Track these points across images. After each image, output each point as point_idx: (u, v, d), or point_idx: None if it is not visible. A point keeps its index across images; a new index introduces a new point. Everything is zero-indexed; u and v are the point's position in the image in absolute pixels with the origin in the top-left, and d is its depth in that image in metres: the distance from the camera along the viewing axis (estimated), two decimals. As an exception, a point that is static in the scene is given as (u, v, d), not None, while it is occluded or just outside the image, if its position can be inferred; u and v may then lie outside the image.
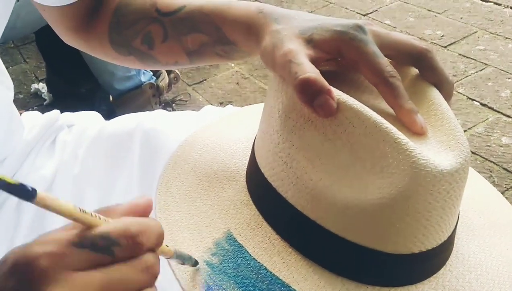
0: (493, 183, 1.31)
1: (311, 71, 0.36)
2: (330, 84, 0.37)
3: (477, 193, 0.50)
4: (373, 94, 0.41)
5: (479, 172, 1.34)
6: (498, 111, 1.56)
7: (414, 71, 0.41)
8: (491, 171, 1.35)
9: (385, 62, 0.38)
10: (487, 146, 1.43)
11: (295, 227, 0.41)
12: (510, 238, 0.47)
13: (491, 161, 1.38)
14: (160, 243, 0.32)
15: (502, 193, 1.28)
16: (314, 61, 0.38)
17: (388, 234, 0.38)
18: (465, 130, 1.50)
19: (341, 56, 0.40)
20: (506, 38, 1.91)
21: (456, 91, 1.68)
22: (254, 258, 0.41)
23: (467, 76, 1.74)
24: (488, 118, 1.54)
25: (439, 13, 2.11)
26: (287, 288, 0.39)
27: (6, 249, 0.44)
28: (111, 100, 1.61)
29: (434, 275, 0.41)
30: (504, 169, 1.35)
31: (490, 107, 1.58)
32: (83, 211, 0.30)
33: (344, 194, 0.38)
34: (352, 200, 0.37)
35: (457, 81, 1.72)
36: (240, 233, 0.43)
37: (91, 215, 0.30)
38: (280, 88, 0.41)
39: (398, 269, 0.39)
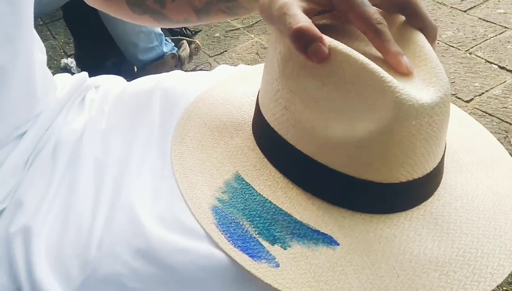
0: (508, 143, 1.32)
1: (303, 21, 0.40)
2: (324, 34, 0.41)
3: (468, 133, 0.54)
4: (364, 42, 0.45)
5: (495, 133, 1.36)
6: (517, 74, 1.56)
7: (401, 18, 0.45)
8: (507, 132, 1.36)
9: (372, 10, 0.41)
10: (503, 107, 1.44)
11: (295, 165, 0.46)
12: (497, 173, 0.50)
13: (507, 122, 1.39)
14: None
15: (517, 152, 1.29)
16: (308, 12, 0.42)
17: (377, 164, 0.42)
18: (482, 93, 1.51)
19: (333, 7, 0.43)
20: (528, 0, 1.89)
21: (475, 54, 1.68)
22: (260, 194, 0.46)
23: (486, 39, 1.73)
24: (506, 81, 1.54)
25: (459, -23, 2.09)
26: (289, 217, 0.44)
27: (42, 195, 0.50)
28: (136, 72, 1.68)
29: (423, 204, 0.45)
30: (520, 129, 1.36)
31: (508, 70, 1.58)
32: None
33: (337, 131, 0.42)
34: (344, 136, 0.42)
35: (476, 45, 1.72)
36: (247, 174, 0.48)
37: None
38: (278, 39, 0.45)
39: (388, 197, 0.44)
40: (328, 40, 0.41)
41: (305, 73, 0.43)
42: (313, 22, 0.41)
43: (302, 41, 0.40)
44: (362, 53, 0.41)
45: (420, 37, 0.43)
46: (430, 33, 0.44)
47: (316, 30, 0.40)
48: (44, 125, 0.56)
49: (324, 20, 0.47)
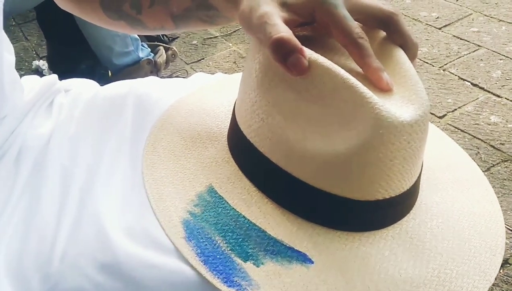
0: (480, 159, 1.35)
1: (284, 31, 0.39)
2: (305, 46, 0.41)
3: (444, 152, 0.54)
4: (344, 56, 0.44)
5: (466, 149, 1.38)
6: (489, 91, 1.59)
7: (382, 34, 0.45)
8: (478, 148, 1.38)
9: (354, 24, 0.41)
10: (475, 124, 1.47)
11: (270, 179, 0.45)
12: (472, 193, 0.50)
13: (479, 138, 1.41)
14: None
15: (489, 169, 1.32)
16: (288, 23, 0.41)
17: (353, 181, 0.41)
18: (455, 109, 1.53)
19: (314, 19, 0.43)
20: (500, 20, 1.94)
21: (448, 71, 1.71)
22: (233, 208, 0.45)
23: (460, 57, 1.76)
24: (478, 98, 1.57)
25: (435, -5, 2.13)
26: (263, 233, 0.43)
27: (3, 202, 0.48)
28: (110, 76, 1.65)
29: (398, 222, 0.45)
30: (491, 146, 1.38)
31: (481, 88, 1.61)
32: None
33: (314, 146, 0.41)
34: (322, 151, 0.41)
35: (450, 62, 1.75)
36: (221, 186, 0.46)
37: None
38: (257, 49, 0.44)
39: (364, 215, 0.43)
40: (309, 53, 0.40)
41: (284, 85, 0.42)
42: (293, 33, 0.40)
43: (282, 52, 0.39)
44: (342, 68, 0.40)
45: (401, 54, 0.43)
46: (411, 50, 0.43)
47: (296, 42, 0.39)
48: (8, 129, 0.54)
49: (305, 32, 0.46)
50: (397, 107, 0.40)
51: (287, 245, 0.42)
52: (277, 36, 0.39)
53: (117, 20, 0.53)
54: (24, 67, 1.91)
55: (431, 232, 0.45)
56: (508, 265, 1.10)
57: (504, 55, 1.74)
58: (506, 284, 1.06)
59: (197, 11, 0.49)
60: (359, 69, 0.43)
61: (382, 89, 0.41)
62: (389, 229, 0.44)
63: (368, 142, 0.39)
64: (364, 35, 0.41)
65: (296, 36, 0.40)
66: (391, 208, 0.43)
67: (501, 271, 1.08)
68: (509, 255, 1.12)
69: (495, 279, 1.05)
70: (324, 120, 0.41)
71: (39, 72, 1.90)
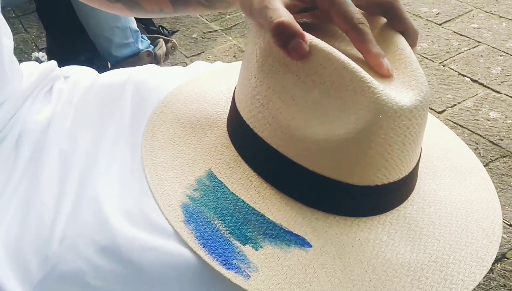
0: (478, 154, 1.35)
1: (285, 16, 0.39)
2: (306, 32, 0.41)
3: (442, 140, 0.54)
4: (345, 42, 0.44)
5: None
6: (488, 87, 1.59)
7: (383, 20, 0.45)
8: (477, 143, 1.39)
9: (354, 10, 0.41)
10: (475, 119, 1.47)
11: (270, 164, 0.45)
12: (469, 181, 0.50)
13: (478, 134, 1.41)
14: None
15: (487, 164, 1.32)
16: (289, 8, 0.41)
17: (352, 166, 0.41)
18: (454, 105, 1.53)
19: (315, 5, 0.43)
20: (501, 17, 1.94)
21: (448, 67, 1.71)
22: (232, 192, 0.45)
23: (460, 53, 1.77)
24: (477, 94, 1.57)
25: (436, -9, 2.13)
26: (262, 218, 0.43)
27: (2, 185, 0.48)
28: (109, 68, 1.65)
29: (397, 208, 0.45)
30: (490, 141, 1.39)
31: (480, 83, 1.61)
32: None
33: (314, 131, 0.41)
34: (322, 136, 0.41)
35: (450, 58, 1.75)
36: (220, 171, 0.46)
37: None
38: (258, 34, 0.44)
39: (363, 200, 0.43)
40: (310, 38, 0.40)
41: (285, 70, 0.42)
42: (295, 19, 0.40)
43: (283, 36, 0.39)
44: (343, 53, 0.40)
45: (401, 40, 0.43)
46: (411, 37, 0.43)
47: (297, 26, 0.40)
48: (8, 114, 0.54)
49: (306, 18, 0.46)
50: (397, 92, 0.40)
51: (286, 229, 0.42)
52: (278, 21, 0.39)
53: (114, 2, 0.53)
54: (23, 59, 1.91)
55: (428, 218, 0.45)
56: (506, 259, 1.10)
57: (504, 52, 1.74)
58: (504, 278, 1.06)
59: None
60: (360, 55, 0.43)
61: (382, 74, 0.42)
62: (387, 214, 0.44)
63: (367, 127, 0.39)
64: (365, 21, 0.41)
65: (298, 22, 0.40)
66: (390, 193, 0.43)
67: (498, 265, 1.09)
68: (506, 250, 1.12)
69: (493, 273, 1.06)
70: (324, 105, 0.41)
71: (38, 64, 1.89)
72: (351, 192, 0.42)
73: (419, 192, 0.46)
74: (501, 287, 1.04)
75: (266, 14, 0.40)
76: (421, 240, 0.43)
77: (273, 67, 0.43)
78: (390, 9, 0.43)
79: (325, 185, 0.42)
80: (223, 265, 0.40)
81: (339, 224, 0.43)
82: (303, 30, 0.40)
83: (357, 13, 0.41)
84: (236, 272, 0.40)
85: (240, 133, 0.47)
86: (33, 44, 2.05)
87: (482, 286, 1.05)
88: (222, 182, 0.46)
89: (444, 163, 0.51)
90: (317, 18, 0.46)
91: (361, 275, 0.40)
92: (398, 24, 0.43)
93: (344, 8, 0.41)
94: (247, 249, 0.41)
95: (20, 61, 0.61)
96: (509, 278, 1.06)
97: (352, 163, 0.41)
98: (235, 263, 0.40)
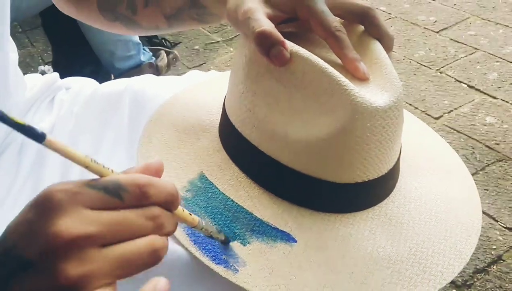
0: (475, 159, 1.37)
1: (266, 25, 0.42)
2: (288, 40, 0.43)
3: (426, 142, 0.56)
4: (325, 49, 0.47)
5: (462, 149, 1.40)
6: (485, 93, 1.61)
7: (361, 28, 0.48)
8: (473, 148, 1.41)
9: (332, 18, 0.44)
10: (471, 125, 1.49)
11: (257, 165, 0.47)
12: (450, 180, 0.53)
13: (474, 139, 1.43)
14: (171, 202, 0.33)
15: (483, 168, 1.34)
16: (272, 18, 0.44)
17: (333, 165, 0.44)
18: (451, 110, 1.55)
19: (296, 15, 0.46)
20: (497, 24, 1.96)
21: (445, 74, 1.73)
22: (222, 193, 0.47)
23: (457, 59, 1.79)
24: (474, 100, 1.59)
25: (433, 0, 2.16)
26: (250, 215, 0.46)
27: (7, 190, 0.50)
28: (112, 80, 1.69)
29: (378, 205, 0.47)
30: (487, 146, 1.41)
31: (477, 89, 1.64)
32: (95, 161, 0.31)
33: (297, 133, 0.44)
34: (304, 137, 0.44)
35: (447, 64, 1.77)
36: (211, 174, 0.49)
37: (103, 166, 0.32)
38: (244, 44, 0.47)
39: (344, 197, 0.46)
40: (290, 45, 0.43)
41: (268, 76, 0.45)
42: (278, 29, 0.43)
43: (265, 45, 0.42)
44: (322, 59, 0.43)
45: (377, 46, 0.46)
46: (387, 43, 0.46)
47: (278, 34, 0.42)
48: None
49: (289, 28, 0.49)
50: (372, 94, 0.43)
51: (272, 226, 0.45)
52: (259, 30, 0.42)
53: (113, 21, 0.56)
54: (30, 72, 1.94)
55: (409, 214, 0.47)
56: (502, 261, 1.12)
57: (500, 58, 1.76)
58: (499, 279, 1.08)
59: (189, 10, 0.52)
60: (339, 61, 0.45)
61: (359, 78, 0.44)
62: (369, 211, 0.47)
63: (345, 127, 0.42)
64: (342, 28, 0.44)
65: (281, 32, 0.43)
66: (370, 190, 0.46)
67: (494, 267, 1.10)
68: (502, 252, 1.13)
69: (489, 275, 1.07)
70: (305, 107, 0.43)
71: (44, 77, 1.94)
72: (333, 190, 0.45)
73: (400, 190, 0.49)
74: (497, 289, 1.06)
75: (249, 24, 0.43)
76: (401, 235, 0.46)
77: (258, 74, 0.45)
78: (366, 17, 0.46)
79: (309, 183, 0.45)
80: (213, 260, 0.42)
81: (323, 220, 0.45)
82: (285, 38, 0.43)
83: (334, 21, 0.44)
84: (225, 267, 0.42)
85: (230, 137, 0.50)
86: (39, 58, 2.10)
87: (478, 287, 1.06)
88: (212, 183, 0.48)
89: (428, 163, 0.53)
90: (298, 27, 0.49)
91: (343, 267, 0.43)
92: (374, 30, 0.46)
93: (322, 17, 0.44)
94: (236, 245, 0.43)
95: (26, 74, 0.64)
96: (505, 279, 1.07)
97: (332, 162, 0.44)
98: (224, 258, 0.43)
